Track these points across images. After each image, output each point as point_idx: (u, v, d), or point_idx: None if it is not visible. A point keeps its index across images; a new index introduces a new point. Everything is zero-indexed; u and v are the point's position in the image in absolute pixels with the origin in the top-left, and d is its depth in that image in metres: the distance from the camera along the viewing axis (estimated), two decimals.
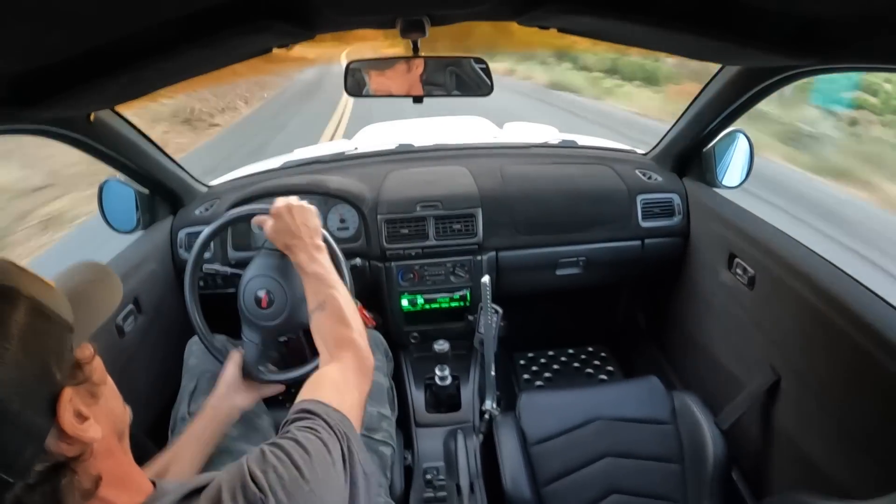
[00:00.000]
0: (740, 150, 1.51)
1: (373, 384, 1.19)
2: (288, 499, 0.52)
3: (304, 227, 1.02)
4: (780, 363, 1.19)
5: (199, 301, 1.19)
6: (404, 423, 1.45)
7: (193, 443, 0.98)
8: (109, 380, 0.57)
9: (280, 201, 1.05)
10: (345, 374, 0.80)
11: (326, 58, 30.68)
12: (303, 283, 0.99)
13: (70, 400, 0.48)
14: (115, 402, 0.57)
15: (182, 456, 0.96)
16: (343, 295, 0.94)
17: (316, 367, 1.10)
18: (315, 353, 1.21)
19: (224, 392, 1.06)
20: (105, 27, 0.67)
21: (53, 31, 0.62)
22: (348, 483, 0.60)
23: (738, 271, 1.35)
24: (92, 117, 1.14)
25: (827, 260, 1.13)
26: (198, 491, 0.55)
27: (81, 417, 0.49)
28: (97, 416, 0.51)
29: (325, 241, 1.14)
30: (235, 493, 0.52)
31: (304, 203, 1.06)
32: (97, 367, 0.54)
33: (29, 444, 0.45)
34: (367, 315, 1.44)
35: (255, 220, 1.10)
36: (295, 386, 1.52)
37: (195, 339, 1.25)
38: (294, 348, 1.38)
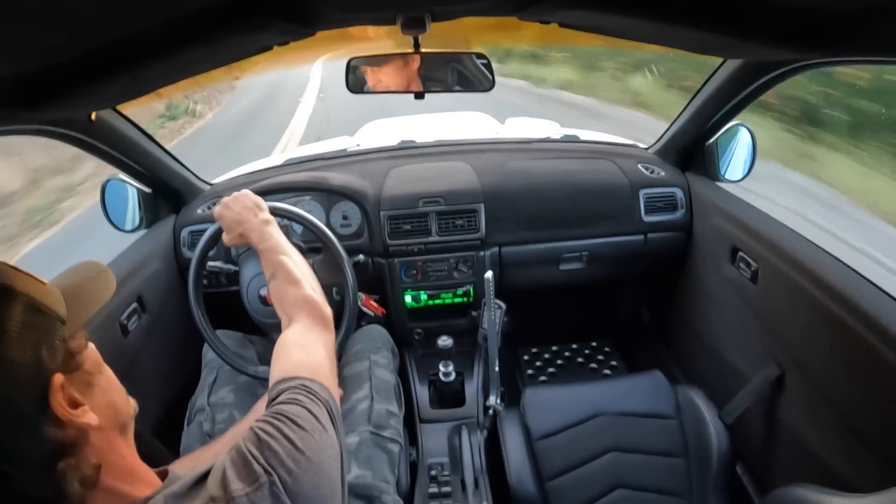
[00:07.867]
0: (742, 143, 1.50)
1: (380, 381, 1.19)
2: (289, 474, 0.53)
3: (244, 210, 1.04)
4: (784, 357, 1.19)
5: (202, 299, 1.19)
6: (409, 420, 1.45)
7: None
8: (108, 371, 0.59)
9: (217, 207, 1.07)
10: (306, 334, 0.80)
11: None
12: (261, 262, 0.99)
13: (62, 386, 0.49)
14: (115, 393, 0.59)
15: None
16: (293, 257, 0.95)
17: None
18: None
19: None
20: (106, 27, 0.67)
21: (54, 33, 0.62)
22: (339, 444, 0.61)
23: (742, 265, 1.34)
24: (93, 116, 1.14)
25: (830, 254, 1.13)
26: (206, 476, 0.55)
27: (75, 404, 0.51)
28: (94, 404, 0.53)
29: (326, 237, 1.15)
30: (241, 475, 0.52)
31: (236, 193, 1.08)
32: (90, 357, 0.56)
33: (25, 431, 0.47)
34: (375, 304, 1.43)
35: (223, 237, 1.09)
36: None
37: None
38: None
